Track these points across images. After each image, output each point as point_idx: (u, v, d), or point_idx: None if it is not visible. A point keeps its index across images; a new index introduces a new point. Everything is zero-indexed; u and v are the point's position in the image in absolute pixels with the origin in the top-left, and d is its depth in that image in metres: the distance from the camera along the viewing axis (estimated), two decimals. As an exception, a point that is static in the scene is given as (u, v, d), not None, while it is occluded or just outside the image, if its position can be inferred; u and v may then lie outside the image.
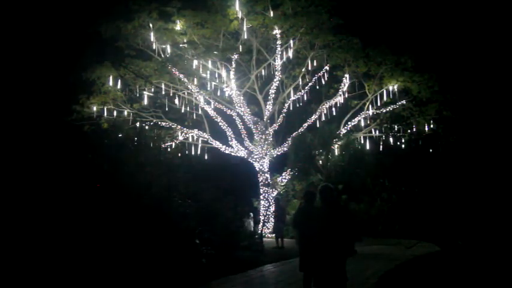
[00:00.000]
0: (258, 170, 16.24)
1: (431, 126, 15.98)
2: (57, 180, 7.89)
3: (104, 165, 8.77)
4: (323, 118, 16.88)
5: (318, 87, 16.67)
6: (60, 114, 13.82)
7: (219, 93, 16.31)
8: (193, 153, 17.01)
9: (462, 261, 7.98)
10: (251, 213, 13.33)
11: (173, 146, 16.50)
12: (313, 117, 16.70)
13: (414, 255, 10.38)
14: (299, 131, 16.44)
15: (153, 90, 16.06)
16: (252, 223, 13.38)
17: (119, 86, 15.54)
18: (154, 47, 15.01)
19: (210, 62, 15.29)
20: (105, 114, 15.89)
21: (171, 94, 16.09)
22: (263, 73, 16.35)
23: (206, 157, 17.37)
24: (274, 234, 13.55)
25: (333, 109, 16.79)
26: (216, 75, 15.93)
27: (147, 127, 16.17)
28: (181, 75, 15.35)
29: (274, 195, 15.74)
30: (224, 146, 16.63)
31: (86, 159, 9.00)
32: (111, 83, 15.21)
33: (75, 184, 7.96)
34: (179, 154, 14.92)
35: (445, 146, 15.19)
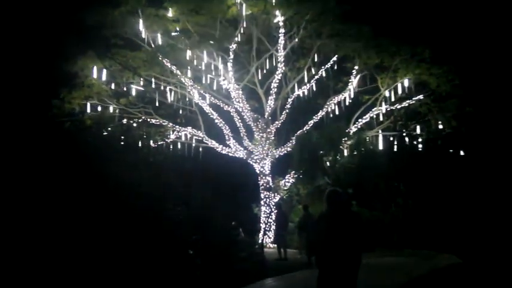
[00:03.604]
0: (258, 172, 16.19)
1: (452, 123, 15.92)
2: (33, 182, 7.83)
3: (86, 167, 8.73)
4: (331, 115, 16.81)
5: (325, 80, 16.60)
6: (38, 109, 13.73)
7: (215, 87, 16.25)
8: (186, 153, 16.96)
9: (486, 275, 7.92)
10: (239, 228, 13.23)
11: (164, 146, 16.48)
12: (320, 113, 16.62)
13: (432, 268, 10.33)
14: (304, 129, 16.38)
15: (142, 83, 16.00)
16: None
17: (104, 79, 15.44)
18: (143, 36, 14.94)
19: (205, 52, 15.23)
20: (89, 109, 15.82)
21: (162, 88, 16.05)
22: (264, 65, 16.29)
23: (201, 158, 17.33)
24: (275, 244, 13.50)
25: (342, 105, 16.72)
26: (212, 67, 15.88)
27: (135, 124, 16.16)
28: (173, 67, 15.30)
29: (276, 200, 15.70)
30: (221, 146, 16.59)
31: (67, 159, 8.96)
32: (95, 76, 15.12)
33: (54, 187, 7.91)
34: (171, 154, 14.95)
35: (467, 146, 15.14)
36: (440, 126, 16.00)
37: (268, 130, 16.40)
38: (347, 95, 16.58)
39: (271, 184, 16.08)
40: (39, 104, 13.39)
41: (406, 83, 15.87)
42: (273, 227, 14.85)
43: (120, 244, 7.42)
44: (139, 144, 14.93)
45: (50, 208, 7.49)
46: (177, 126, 16.74)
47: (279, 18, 14.98)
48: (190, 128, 16.74)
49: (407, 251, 13.02)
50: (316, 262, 5.07)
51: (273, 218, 15.06)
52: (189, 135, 17.05)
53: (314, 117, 16.61)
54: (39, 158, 8.37)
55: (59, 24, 13.58)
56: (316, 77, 16.39)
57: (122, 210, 7.82)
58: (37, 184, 7.83)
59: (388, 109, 16.66)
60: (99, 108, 16.06)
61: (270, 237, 15.25)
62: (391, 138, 16.84)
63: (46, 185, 7.84)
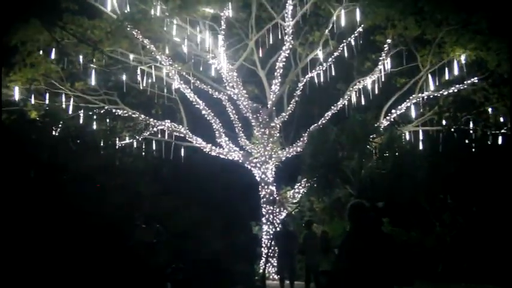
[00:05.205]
0: (258, 179, 16.15)
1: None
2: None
3: (30, 172, 8.67)
4: (354, 104, 16.82)
5: (347, 59, 16.56)
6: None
7: (201, 68, 16.21)
8: (164, 155, 16.91)
9: None
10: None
11: (134, 145, 16.43)
12: (340, 103, 16.65)
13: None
14: (319, 123, 16.38)
15: (104, 62, 15.92)
16: None
17: (53, 56, 15.37)
18: (106, -1, 14.93)
19: (188, 21, 15.18)
20: (33, 97, 15.75)
21: (131, 69, 16.00)
22: (267, 38, 16.26)
23: (183, 161, 17.29)
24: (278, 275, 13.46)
25: (369, 91, 16.71)
26: (198, 41, 15.86)
27: (95, 117, 16.08)
28: (146, 41, 15.29)
29: (282, 216, 15.63)
30: (209, 145, 16.61)
31: (4, 163, 8.89)
32: (41, 52, 15.06)
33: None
34: (143, 156, 14.92)
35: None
36: (502, 119, 15.96)
37: (272, 124, 16.38)
38: (376, 78, 16.55)
39: (275, 195, 16.02)
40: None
41: (455, 61, 15.84)
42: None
43: (75, 274, 7.38)
44: (102, 143, 14.89)
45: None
46: (152, 120, 16.74)
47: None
48: (169, 121, 16.77)
49: (457, 285, 12.96)
50: None
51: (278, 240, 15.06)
52: (167, 131, 17.04)
53: (332, 107, 16.61)
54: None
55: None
56: (335, 54, 16.37)
57: (76, 230, 7.77)
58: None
59: (431, 96, 16.64)
60: (48, 96, 16.01)
61: (274, 266, 15.22)
62: (435, 135, 16.79)
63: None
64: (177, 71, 16.08)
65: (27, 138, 10.14)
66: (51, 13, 14.64)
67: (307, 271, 11.74)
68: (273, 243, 15.11)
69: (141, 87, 16.51)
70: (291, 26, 15.66)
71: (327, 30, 16.16)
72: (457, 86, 16.23)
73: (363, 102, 16.89)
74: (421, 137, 16.80)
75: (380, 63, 16.48)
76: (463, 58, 15.73)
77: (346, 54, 16.43)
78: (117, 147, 15.31)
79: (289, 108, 16.65)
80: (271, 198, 15.93)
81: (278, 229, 14.88)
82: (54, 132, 13.95)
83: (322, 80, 16.67)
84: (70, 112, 15.68)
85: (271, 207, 15.85)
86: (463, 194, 14.24)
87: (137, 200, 9.47)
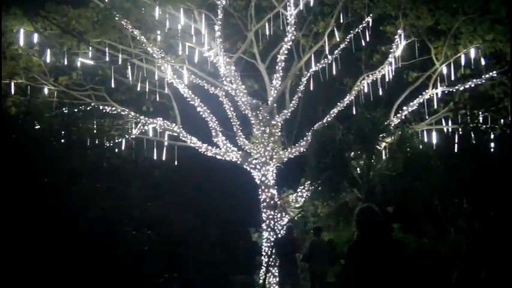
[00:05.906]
0: (258, 182, 16.17)
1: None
2: None
3: (9, 174, 8.67)
4: (362, 101, 16.83)
5: (354, 51, 16.60)
6: None
7: (196, 61, 16.22)
8: (156, 156, 16.96)
9: None
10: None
11: (123, 145, 16.44)
12: (347, 99, 16.68)
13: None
14: (324, 121, 16.40)
15: (90, 55, 15.96)
16: None
17: (35, 48, 15.40)
18: (92, -15, 14.98)
19: (182, 10, 15.24)
20: (13, 92, 15.76)
21: (120, 62, 16.03)
22: (267, 29, 16.28)
23: (177, 162, 17.32)
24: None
25: (379, 86, 16.73)
26: (193, 32, 15.89)
27: (81, 113, 16.09)
28: (136, 32, 15.32)
29: (284, 222, 15.65)
30: (205, 145, 16.63)
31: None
32: (22, 43, 15.04)
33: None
34: (133, 157, 14.88)
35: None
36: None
37: (273, 122, 16.41)
38: (386, 72, 16.58)
39: (276, 199, 16.05)
40: None
41: (472, 54, 15.88)
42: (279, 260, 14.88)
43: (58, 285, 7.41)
44: (88, 143, 14.88)
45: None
46: (142, 117, 16.77)
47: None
48: (161, 119, 16.79)
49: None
50: None
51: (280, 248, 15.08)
52: (159, 130, 17.07)
53: (338, 103, 16.63)
54: None
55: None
56: (341, 46, 16.42)
57: (59, 237, 7.78)
58: None
59: (446, 92, 16.66)
60: (29, 90, 16.01)
61: (275, 276, 15.25)
62: (450, 134, 16.81)
63: None
64: (170, 65, 16.10)
65: (7, 136, 10.11)
66: (33, 1, 14.68)
67: (312, 281, 11.75)
68: (273, 250, 15.17)
69: (131, 82, 16.55)
70: (293, 16, 15.71)
71: (332, 20, 16.22)
72: (474, 80, 16.25)
73: (371, 99, 16.91)
74: (434, 136, 16.82)
75: (390, 56, 16.53)
76: (480, 50, 15.77)
77: (353, 46, 16.49)
78: (105, 147, 15.31)
79: (291, 104, 16.69)
80: (272, 202, 15.94)
81: (280, 235, 14.92)
82: (36, 131, 13.96)
83: (327, 74, 16.72)
84: (54, 109, 15.69)
85: (272, 212, 15.86)
86: (481, 198, 14.24)
87: (126, 205, 9.45)
